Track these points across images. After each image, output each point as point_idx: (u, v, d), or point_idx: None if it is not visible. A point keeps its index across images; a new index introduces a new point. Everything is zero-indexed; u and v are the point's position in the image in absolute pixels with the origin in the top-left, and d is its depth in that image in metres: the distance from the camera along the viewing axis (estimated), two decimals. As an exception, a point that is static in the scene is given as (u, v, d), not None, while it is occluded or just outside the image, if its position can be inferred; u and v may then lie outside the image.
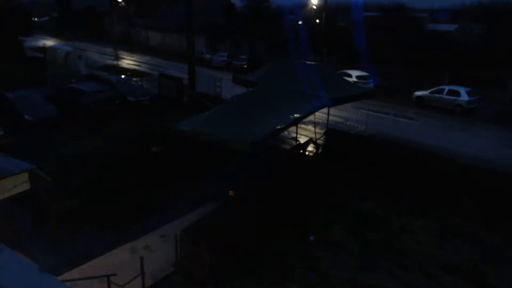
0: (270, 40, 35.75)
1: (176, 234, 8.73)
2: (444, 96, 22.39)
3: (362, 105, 20.91)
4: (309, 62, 24.43)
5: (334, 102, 14.65)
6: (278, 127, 10.76)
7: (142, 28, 48.71)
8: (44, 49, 32.56)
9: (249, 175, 12.37)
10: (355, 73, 26.53)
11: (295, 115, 11.55)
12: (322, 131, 17.54)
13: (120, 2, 47.22)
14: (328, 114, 17.53)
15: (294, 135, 16.58)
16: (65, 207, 10.29)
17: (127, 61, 36.63)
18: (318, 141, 15.91)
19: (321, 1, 34.40)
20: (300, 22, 39.28)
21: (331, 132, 17.10)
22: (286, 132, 16.47)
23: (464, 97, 21.62)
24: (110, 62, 35.12)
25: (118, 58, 36.13)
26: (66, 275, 7.91)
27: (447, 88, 22.51)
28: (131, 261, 8.59)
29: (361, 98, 16.90)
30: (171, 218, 10.33)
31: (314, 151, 15.08)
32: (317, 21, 35.53)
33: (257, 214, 9.79)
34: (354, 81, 25.41)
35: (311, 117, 17.26)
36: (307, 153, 14.63)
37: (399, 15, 33.52)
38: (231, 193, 10.55)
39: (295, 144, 15.60)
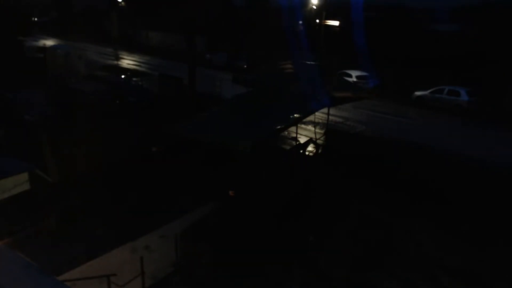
0: (270, 40, 35.74)
1: (176, 234, 8.73)
2: (444, 96, 22.40)
3: (362, 105, 20.93)
4: (309, 62, 24.37)
5: (334, 102, 14.67)
6: (278, 127, 10.76)
7: (142, 28, 48.68)
8: (44, 49, 32.55)
9: (249, 175, 12.36)
10: (355, 73, 26.55)
11: (295, 115, 11.56)
12: (322, 131, 17.56)
13: (120, 2, 47.19)
14: (328, 114, 17.55)
15: (294, 135, 16.58)
16: (65, 207, 10.30)
17: (127, 61, 36.62)
18: (318, 141, 15.92)
19: (321, 1, 34.40)
20: (300, 22, 39.28)
21: (331, 132, 17.12)
22: (286, 132, 16.47)
23: (464, 97, 21.62)
24: (110, 62, 35.11)
25: (118, 58, 36.11)
26: (66, 275, 7.90)
27: (447, 88, 22.51)
28: (131, 261, 8.58)
29: (361, 98, 16.91)
30: (171, 218, 10.32)
31: (314, 151, 15.09)
32: (317, 21, 35.50)
33: (257, 214, 9.80)
34: (354, 81, 25.44)
35: (311, 117, 17.29)
36: (307, 153, 14.63)
37: (399, 15, 33.52)
38: (231, 193, 10.55)
39: (295, 144, 15.61)
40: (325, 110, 16.83)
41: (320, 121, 18.33)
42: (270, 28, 35.27)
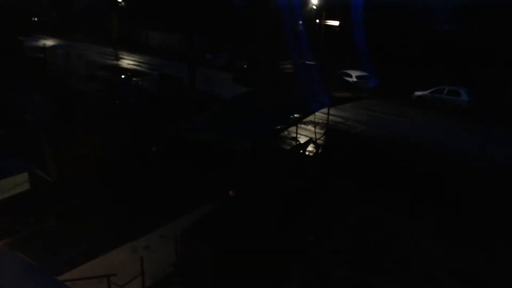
0: (270, 40, 35.76)
1: (176, 234, 8.73)
2: (444, 96, 22.41)
3: (362, 105, 20.93)
4: (309, 62, 24.35)
5: (334, 102, 14.67)
6: (278, 127, 10.76)
7: (142, 28, 48.69)
8: (44, 49, 32.55)
9: (249, 175, 12.37)
10: (355, 73, 26.56)
11: (295, 115, 11.56)
12: (322, 131, 17.56)
13: (120, 2, 47.18)
14: (328, 114, 17.55)
15: (294, 135, 16.58)
16: (65, 207, 10.30)
17: (127, 61, 36.63)
18: (318, 141, 15.91)
19: (321, 1, 34.41)
20: (300, 22, 39.28)
21: (331, 132, 17.11)
22: (286, 132, 16.48)
23: (464, 97, 21.64)
24: (110, 62, 35.12)
25: (118, 58, 36.13)
26: (66, 275, 7.90)
27: (447, 88, 22.53)
28: (131, 261, 8.58)
29: (361, 98, 16.91)
30: (171, 218, 10.33)
31: (314, 151, 15.09)
32: (317, 21, 35.52)
33: (257, 214, 9.79)
34: (354, 81, 25.46)
35: (311, 117, 17.30)
36: (307, 153, 14.63)
37: (399, 15, 33.55)
38: (231, 193, 10.54)
39: (295, 144, 15.62)
40: (325, 110, 16.82)
41: (320, 121, 18.33)
42: (270, 28, 35.30)
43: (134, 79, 24.59)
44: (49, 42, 41.80)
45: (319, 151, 15.14)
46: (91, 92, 18.71)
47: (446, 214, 11.32)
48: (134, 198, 11.29)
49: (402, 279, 8.65)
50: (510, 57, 24.54)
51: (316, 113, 16.15)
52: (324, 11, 33.76)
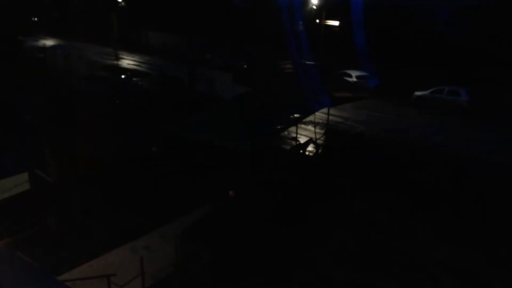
0: (270, 40, 35.76)
1: (176, 234, 8.73)
2: (444, 96, 22.39)
3: (362, 105, 20.92)
4: (309, 62, 24.37)
5: (334, 102, 14.67)
6: (278, 127, 10.77)
7: (142, 28, 48.68)
8: (44, 49, 32.56)
9: (249, 175, 12.37)
10: (355, 73, 26.56)
11: (295, 115, 11.56)
12: (322, 131, 17.57)
13: (120, 2, 47.16)
14: (328, 114, 17.55)
15: (294, 135, 16.58)
16: (65, 207, 10.31)
17: (127, 61, 36.62)
18: (318, 141, 15.92)
19: (321, 1, 34.41)
20: (300, 22, 39.28)
21: (331, 132, 17.11)
22: (286, 132, 16.48)
23: (464, 97, 21.62)
24: (110, 62, 35.12)
25: (118, 58, 36.11)
26: (66, 275, 7.90)
27: (447, 88, 22.50)
28: (131, 261, 8.58)
29: (361, 98, 16.91)
30: (171, 218, 10.33)
31: (314, 151, 15.09)
32: (317, 21, 35.51)
33: (257, 214, 9.79)
34: (354, 81, 25.46)
35: (311, 117, 17.31)
36: (307, 153, 14.63)
37: (399, 15, 33.54)
38: (231, 193, 10.54)
39: (295, 144, 15.62)
40: (325, 110, 16.82)
41: (320, 121, 18.34)
42: (270, 28, 35.27)
43: (134, 79, 24.59)
44: (49, 42, 41.82)
45: (319, 151, 15.14)
46: (91, 92, 18.73)
47: (447, 214, 11.32)
48: (134, 198, 11.29)
49: (402, 279, 8.65)
50: (510, 57, 24.53)
51: (316, 113, 16.17)
52: (324, 11, 33.76)
